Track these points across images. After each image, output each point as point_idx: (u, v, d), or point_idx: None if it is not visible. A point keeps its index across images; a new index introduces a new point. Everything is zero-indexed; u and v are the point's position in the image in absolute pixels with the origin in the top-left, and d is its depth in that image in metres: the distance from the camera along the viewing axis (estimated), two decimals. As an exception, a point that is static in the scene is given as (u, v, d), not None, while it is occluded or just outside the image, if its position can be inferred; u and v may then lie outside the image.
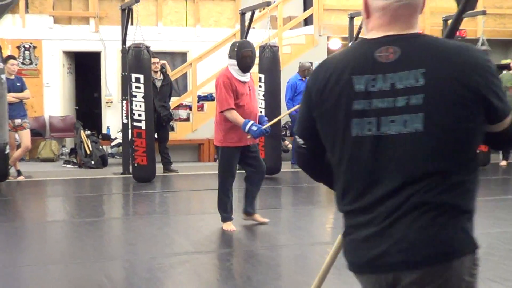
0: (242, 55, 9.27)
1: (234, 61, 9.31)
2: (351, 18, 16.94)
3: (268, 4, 16.49)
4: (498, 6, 20.68)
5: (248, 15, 16.11)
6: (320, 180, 3.36)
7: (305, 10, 20.51)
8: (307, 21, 19.86)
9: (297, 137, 3.19)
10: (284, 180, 14.18)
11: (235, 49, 9.37)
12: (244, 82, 9.41)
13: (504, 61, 20.28)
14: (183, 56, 19.82)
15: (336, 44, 18.78)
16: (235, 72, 9.32)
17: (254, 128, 9.03)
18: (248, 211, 9.82)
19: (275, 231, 9.51)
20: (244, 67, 9.34)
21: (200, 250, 8.78)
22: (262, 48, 14.61)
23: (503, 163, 17.11)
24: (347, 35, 17.03)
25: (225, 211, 9.57)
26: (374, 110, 2.81)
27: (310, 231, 9.67)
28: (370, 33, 2.95)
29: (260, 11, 17.09)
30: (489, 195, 13.42)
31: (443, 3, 20.00)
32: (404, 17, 2.89)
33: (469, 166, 2.84)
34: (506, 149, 3.03)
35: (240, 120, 9.08)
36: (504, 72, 17.47)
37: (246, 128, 9.01)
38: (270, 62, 14.83)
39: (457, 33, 17.17)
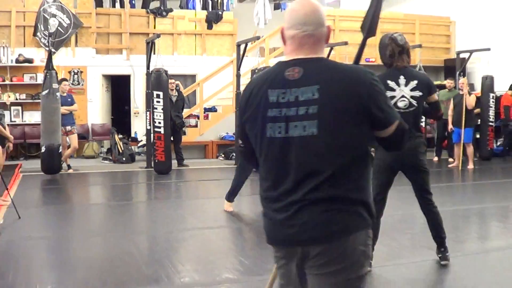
0: None
1: None
2: (320, 49, 16.86)
3: (258, 38, 16.48)
4: (430, 41, 20.85)
5: (242, 47, 16.08)
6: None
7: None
8: (287, 52, 19.78)
9: (239, 139, 3.27)
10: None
11: None
12: None
13: (436, 82, 20.21)
14: (192, 77, 19.77)
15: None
16: None
17: None
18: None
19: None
20: None
21: (206, 226, 8.71)
22: (253, 72, 14.52)
23: (435, 159, 17.10)
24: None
25: (233, 195, 9.45)
26: (283, 117, 2.88)
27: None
28: (285, 57, 3.02)
29: (251, 43, 17.02)
30: (425, 184, 13.38)
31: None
32: (308, 45, 2.94)
33: (357, 164, 2.91)
34: (393, 151, 2.98)
35: None
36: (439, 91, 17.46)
37: None
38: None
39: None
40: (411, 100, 6.00)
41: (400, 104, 5.98)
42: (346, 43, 16.22)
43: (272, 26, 19.21)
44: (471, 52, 17.75)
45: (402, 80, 6.02)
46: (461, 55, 18.21)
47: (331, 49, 16.70)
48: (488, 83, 17.21)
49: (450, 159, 16.50)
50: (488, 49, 17.04)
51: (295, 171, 2.87)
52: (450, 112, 15.52)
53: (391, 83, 6.00)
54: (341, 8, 20.52)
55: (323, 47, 3.00)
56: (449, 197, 11.20)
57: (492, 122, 17.27)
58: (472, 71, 19.58)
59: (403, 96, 6.00)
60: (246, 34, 18.04)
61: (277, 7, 22.13)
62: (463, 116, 14.77)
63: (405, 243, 7.69)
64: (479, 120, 17.12)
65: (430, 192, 6.45)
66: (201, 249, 7.57)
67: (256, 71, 9.09)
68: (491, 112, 17.21)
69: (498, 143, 18.27)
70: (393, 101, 5.90)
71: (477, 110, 16.42)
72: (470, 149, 15.39)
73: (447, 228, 8.62)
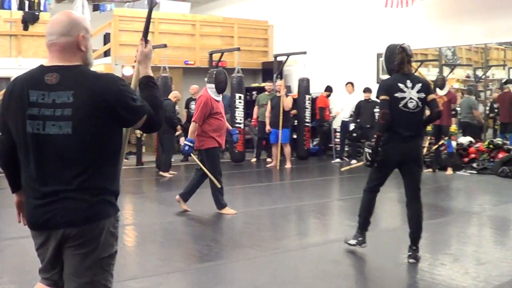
0: (219, 80, 9.25)
1: (213, 85, 9.24)
2: (140, 52, 16.68)
3: (76, 40, 16.06)
4: (248, 44, 21.16)
5: (59, 49, 15.64)
6: (4, 166, 3.55)
7: (104, 44, 20.10)
8: (106, 53, 19.48)
9: None
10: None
11: (213, 76, 9.31)
12: (218, 101, 9.31)
13: (253, 84, 20.70)
14: (7, 80, 18.85)
15: (128, 71, 18.46)
16: (212, 93, 9.23)
17: (186, 147, 9.07)
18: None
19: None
20: (220, 90, 9.33)
21: (23, 235, 8.30)
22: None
23: (253, 159, 17.42)
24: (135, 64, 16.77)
25: (189, 196, 9.50)
26: (42, 116, 3.17)
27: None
28: (47, 62, 3.34)
29: (69, 46, 16.61)
30: (245, 184, 13.64)
31: (209, 41, 20.20)
32: (57, 52, 3.29)
33: (108, 159, 3.30)
34: (148, 133, 3.32)
35: (193, 134, 9.10)
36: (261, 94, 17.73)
37: (182, 143, 9.35)
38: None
39: (220, 64, 17.36)
40: (418, 101, 6.65)
41: (410, 105, 6.62)
42: (165, 46, 16.16)
43: (90, 27, 18.84)
44: (288, 55, 18.23)
45: (409, 83, 6.65)
46: (279, 58, 18.67)
47: (151, 51, 16.56)
48: (304, 85, 17.75)
49: (269, 159, 16.90)
50: (305, 53, 17.54)
51: (52, 165, 3.20)
52: (267, 114, 15.88)
53: (401, 86, 6.62)
54: (161, 11, 20.40)
55: (76, 54, 3.32)
56: (268, 196, 11.45)
57: (308, 122, 17.79)
58: (289, 74, 20.12)
59: (411, 98, 6.62)
60: (63, 35, 17.63)
61: (95, 8, 21.80)
62: (281, 117, 15.17)
63: (225, 243, 7.75)
64: (296, 121, 17.62)
65: (420, 190, 6.85)
66: (18, 259, 7.21)
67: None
68: (307, 113, 17.74)
69: (314, 143, 18.88)
70: (403, 102, 6.61)
71: (294, 112, 16.91)
72: (287, 149, 15.85)
73: (266, 226, 8.87)
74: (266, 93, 17.01)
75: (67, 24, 3.29)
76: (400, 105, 6.59)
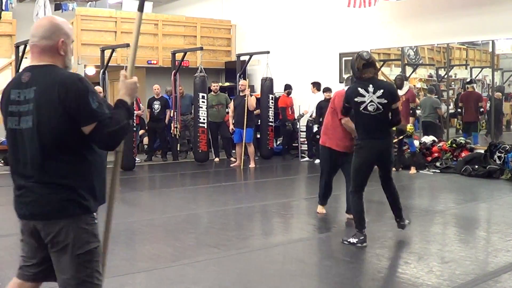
0: None
1: None
2: (102, 51, 16.53)
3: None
4: (212, 44, 21.15)
5: (21, 48, 15.46)
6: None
7: (66, 44, 19.92)
8: (68, 53, 19.28)
9: None
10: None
11: (350, 81, 8.81)
12: None
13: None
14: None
15: (91, 71, 18.35)
16: None
17: None
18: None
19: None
20: None
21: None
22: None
23: (217, 159, 17.38)
24: (99, 64, 16.65)
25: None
26: (17, 112, 3.41)
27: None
28: (29, 62, 3.54)
29: (30, 45, 16.40)
30: (209, 183, 13.62)
31: (172, 41, 20.17)
32: (37, 54, 3.47)
33: (75, 155, 3.37)
34: (106, 149, 3.43)
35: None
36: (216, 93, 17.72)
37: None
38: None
39: (183, 63, 17.30)
40: (378, 105, 7.15)
41: (370, 108, 7.17)
42: (127, 45, 16.02)
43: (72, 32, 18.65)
44: (251, 54, 18.24)
45: (370, 88, 7.17)
46: (242, 58, 18.66)
47: (113, 51, 16.43)
48: (267, 84, 17.75)
49: (232, 159, 16.91)
50: (268, 52, 17.53)
51: (24, 158, 3.39)
52: (231, 113, 15.90)
53: (361, 91, 7.18)
54: (123, 10, 20.27)
55: (54, 57, 3.47)
56: (232, 195, 11.41)
57: (271, 122, 17.82)
58: (252, 73, 20.12)
59: (371, 101, 7.15)
60: (25, 35, 17.31)
61: (57, 7, 21.58)
62: (245, 117, 15.15)
63: (189, 242, 7.70)
64: (259, 121, 17.61)
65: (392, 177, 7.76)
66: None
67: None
68: (271, 113, 17.78)
69: (278, 143, 18.92)
70: (363, 106, 7.18)
71: (257, 111, 16.89)
72: (251, 149, 15.84)
73: (231, 225, 8.84)
74: (212, 93, 17.13)
75: (49, 28, 3.46)
76: (361, 108, 7.23)
